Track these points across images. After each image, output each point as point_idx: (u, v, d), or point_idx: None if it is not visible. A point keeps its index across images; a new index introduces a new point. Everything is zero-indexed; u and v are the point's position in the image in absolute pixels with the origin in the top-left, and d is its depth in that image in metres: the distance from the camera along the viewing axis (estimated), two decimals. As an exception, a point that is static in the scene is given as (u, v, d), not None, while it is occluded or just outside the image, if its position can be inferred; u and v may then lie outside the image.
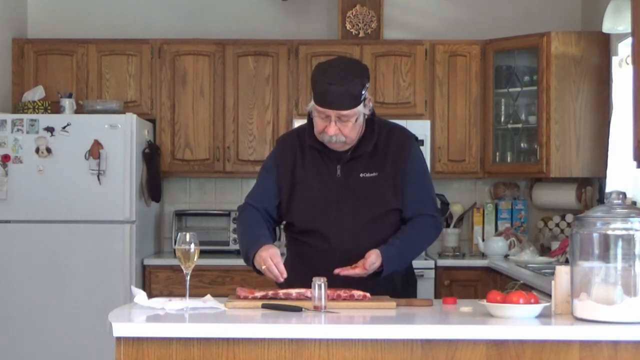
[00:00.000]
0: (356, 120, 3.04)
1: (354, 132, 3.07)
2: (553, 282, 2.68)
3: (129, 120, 5.16)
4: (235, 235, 5.58)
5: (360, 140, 3.13)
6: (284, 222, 3.27)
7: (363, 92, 3.02)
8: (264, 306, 2.75)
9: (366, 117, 3.11)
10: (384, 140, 3.16)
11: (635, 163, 3.89)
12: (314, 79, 3.06)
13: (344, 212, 3.11)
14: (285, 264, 3.06)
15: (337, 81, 2.98)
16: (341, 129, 3.03)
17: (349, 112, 3.01)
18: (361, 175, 3.13)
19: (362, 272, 2.97)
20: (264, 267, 2.98)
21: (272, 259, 2.98)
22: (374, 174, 3.13)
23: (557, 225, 5.58)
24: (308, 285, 2.76)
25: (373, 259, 2.98)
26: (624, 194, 2.61)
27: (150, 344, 2.46)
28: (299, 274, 3.03)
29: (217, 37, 5.71)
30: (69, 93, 5.43)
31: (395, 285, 3.14)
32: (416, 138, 3.27)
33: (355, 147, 3.13)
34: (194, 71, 5.60)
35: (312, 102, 3.06)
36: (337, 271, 2.93)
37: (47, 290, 5.08)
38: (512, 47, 5.50)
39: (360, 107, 3.04)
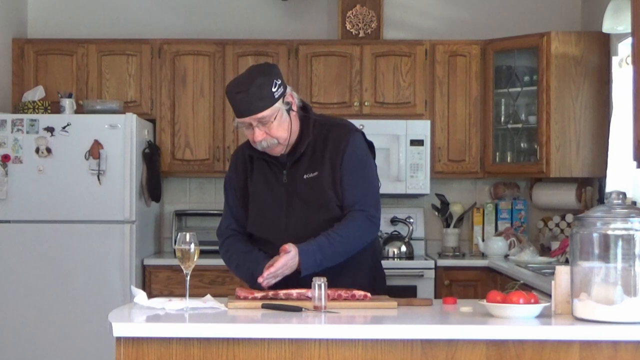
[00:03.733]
0: (276, 119, 3.01)
1: (282, 129, 3.03)
2: (553, 282, 2.68)
3: (129, 120, 5.16)
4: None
5: (297, 142, 3.10)
6: None
7: (274, 90, 2.99)
8: (264, 306, 2.76)
9: (293, 112, 3.07)
10: (322, 138, 3.12)
11: (635, 163, 3.89)
12: (226, 94, 3.07)
13: (293, 218, 3.09)
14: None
15: (242, 88, 2.97)
16: (267, 132, 3.01)
17: (265, 114, 2.98)
18: (305, 176, 3.10)
19: (279, 265, 2.91)
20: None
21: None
22: (315, 174, 3.09)
23: (557, 225, 5.58)
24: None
25: (287, 248, 2.93)
26: (624, 194, 2.61)
27: (150, 344, 2.46)
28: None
29: (217, 37, 5.71)
30: (69, 93, 5.43)
31: (361, 281, 3.09)
32: (361, 132, 3.19)
33: (292, 150, 3.10)
34: (194, 71, 5.60)
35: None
36: (259, 280, 2.91)
37: (47, 290, 5.08)
38: (512, 47, 5.50)
39: (278, 104, 3.01)
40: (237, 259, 3.20)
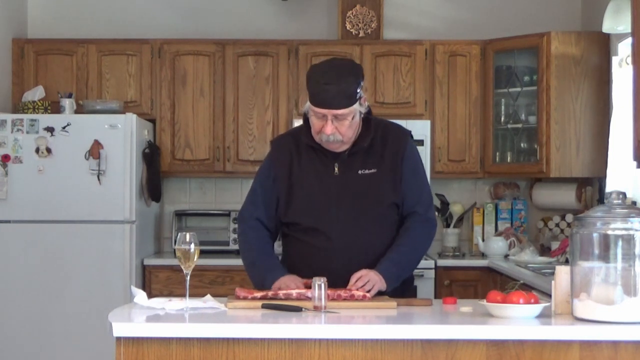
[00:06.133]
0: (352, 119, 3.05)
1: (351, 130, 3.08)
2: (553, 282, 2.68)
3: (129, 120, 5.16)
4: (235, 235, 5.58)
5: (357, 138, 3.14)
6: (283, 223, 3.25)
7: (358, 91, 3.04)
8: (264, 306, 2.76)
9: (362, 115, 3.13)
10: (380, 137, 3.18)
11: (635, 163, 3.89)
12: (309, 79, 3.08)
13: (344, 209, 3.11)
14: (282, 264, 3.15)
15: (332, 81, 3.00)
16: (338, 128, 3.04)
17: (345, 111, 3.02)
18: (360, 172, 3.14)
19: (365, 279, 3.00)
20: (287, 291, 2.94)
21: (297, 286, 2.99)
22: (372, 171, 3.14)
23: (557, 225, 5.58)
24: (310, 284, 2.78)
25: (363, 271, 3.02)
26: (624, 194, 2.62)
27: (150, 344, 2.46)
28: (300, 274, 3.05)
29: (217, 37, 5.71)
30: (69, 93, 5.43)
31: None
32: (411, 135, 3.28)
33: (352, 144, 3.14)
34: (194, 71, 5.60)
35: (308, 103, 3.08)
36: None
37: (47, 290, 5.08)
38: (512, 47, 5.50)
39: (356, 106, 3.05)
40: (253, 257, 3.20)
